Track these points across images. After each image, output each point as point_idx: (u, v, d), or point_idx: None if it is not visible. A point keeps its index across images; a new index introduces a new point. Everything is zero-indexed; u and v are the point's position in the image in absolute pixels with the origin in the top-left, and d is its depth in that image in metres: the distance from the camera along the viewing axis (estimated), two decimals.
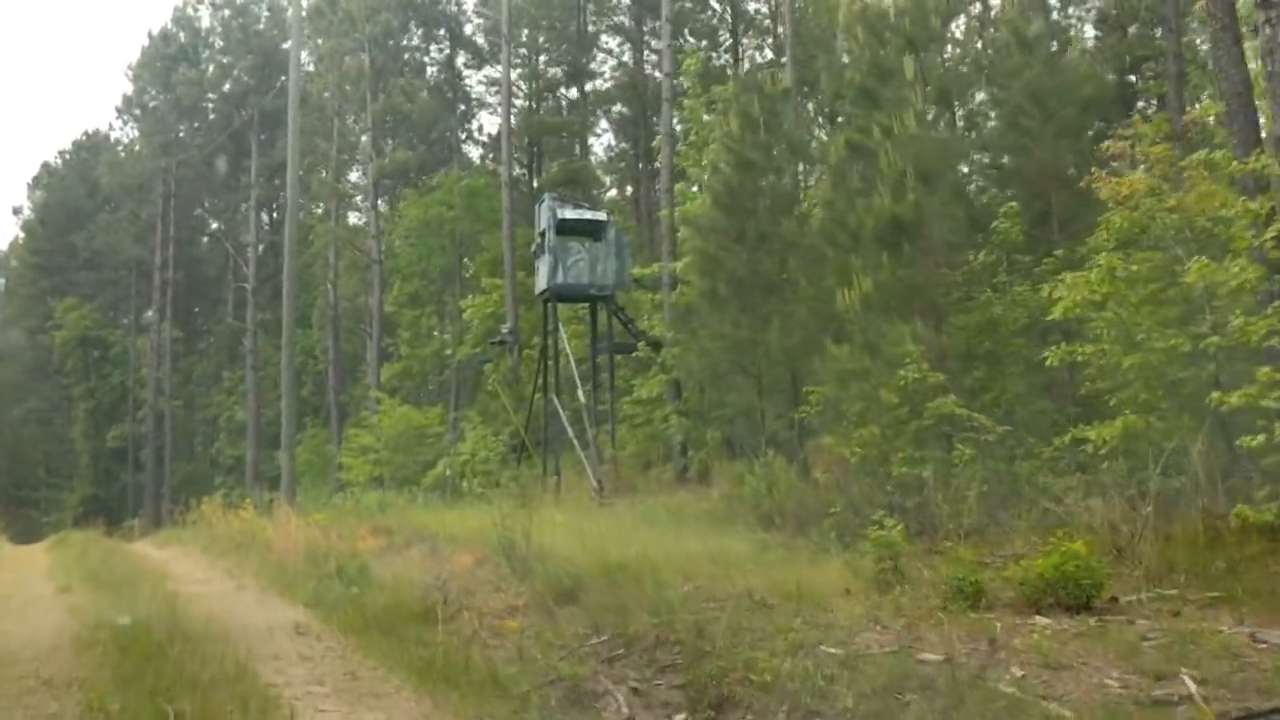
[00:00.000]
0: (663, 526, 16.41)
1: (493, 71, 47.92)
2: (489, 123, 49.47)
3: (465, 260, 39.74)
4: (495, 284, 34.13)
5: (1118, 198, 12.26)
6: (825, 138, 18.63)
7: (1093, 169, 12.90)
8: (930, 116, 16.86)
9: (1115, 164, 14.02)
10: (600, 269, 25.50)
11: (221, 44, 53.75)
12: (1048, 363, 11.86)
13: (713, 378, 18.87)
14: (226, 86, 53.82)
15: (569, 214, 25.65)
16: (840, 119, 19.57)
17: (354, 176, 48.19)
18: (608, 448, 23.76)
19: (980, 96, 17.97)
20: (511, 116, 33.54)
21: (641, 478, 23.69)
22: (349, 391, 47.89)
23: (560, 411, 25.00)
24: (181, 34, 54.98)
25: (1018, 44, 16.68)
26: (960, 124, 18.20)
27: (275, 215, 59.85)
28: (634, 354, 24.66)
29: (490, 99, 49.60)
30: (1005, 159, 17.78)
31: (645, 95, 40.18)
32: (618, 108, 47.69)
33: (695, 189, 23.40)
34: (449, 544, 16.68)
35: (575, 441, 24.56)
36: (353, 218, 50.07)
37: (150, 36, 55.66)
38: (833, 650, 7.63)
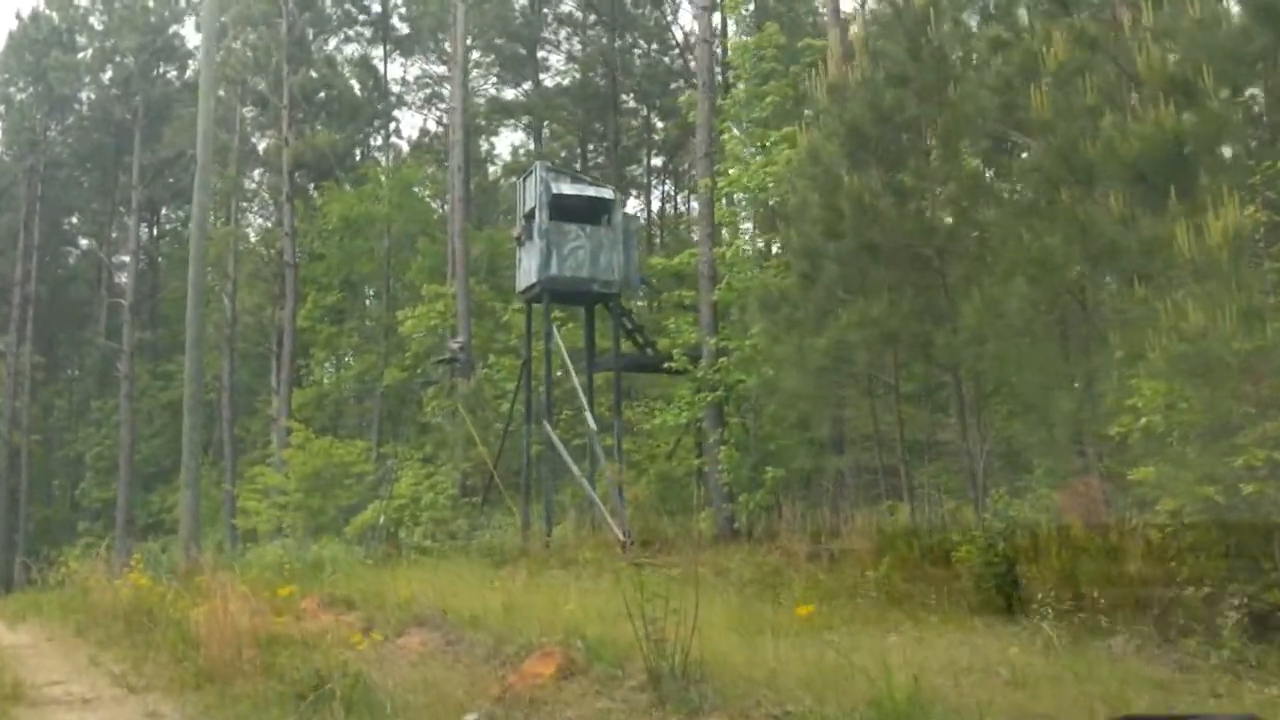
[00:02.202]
0: (800, 608, 10.84)
1: (423, 65, 42.56)
2: (408, 126, 43.71)
3: (394, 267, 33.63)
4: (440, 291, 28.23)
5: None
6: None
7: None
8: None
9: None
10: (605, 261, 19.92)
11: (102, 25, 46.79)
12: None
13: (817, 390, 13.40)
14: (107, 74, 46.90)
15: (567, 189, 20.01)
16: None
17: (257, 174, 41.83)
18: (624, 487, 18.06)
19: None
20: (463, 87, 27.81)
21: (670, 530, 18.07)
22: (244, 424, 41.21)
23: (557, 441, 19.22)
24: (55, 14, 47.93)
25: None
26: None
27: (156, 229, 53.05)
28: (666, 368, 18.91)
29: (410, 96, 44.06)
30: None
31: (614, 88, 34.94)
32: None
33: (752, 150, 18.01)
34: (468, 629, 10.88)
35: (585, 481, 18.85)
36: (254, 223, 43.74)
37: (19, 19, 48.55)
38: None
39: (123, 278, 49.26)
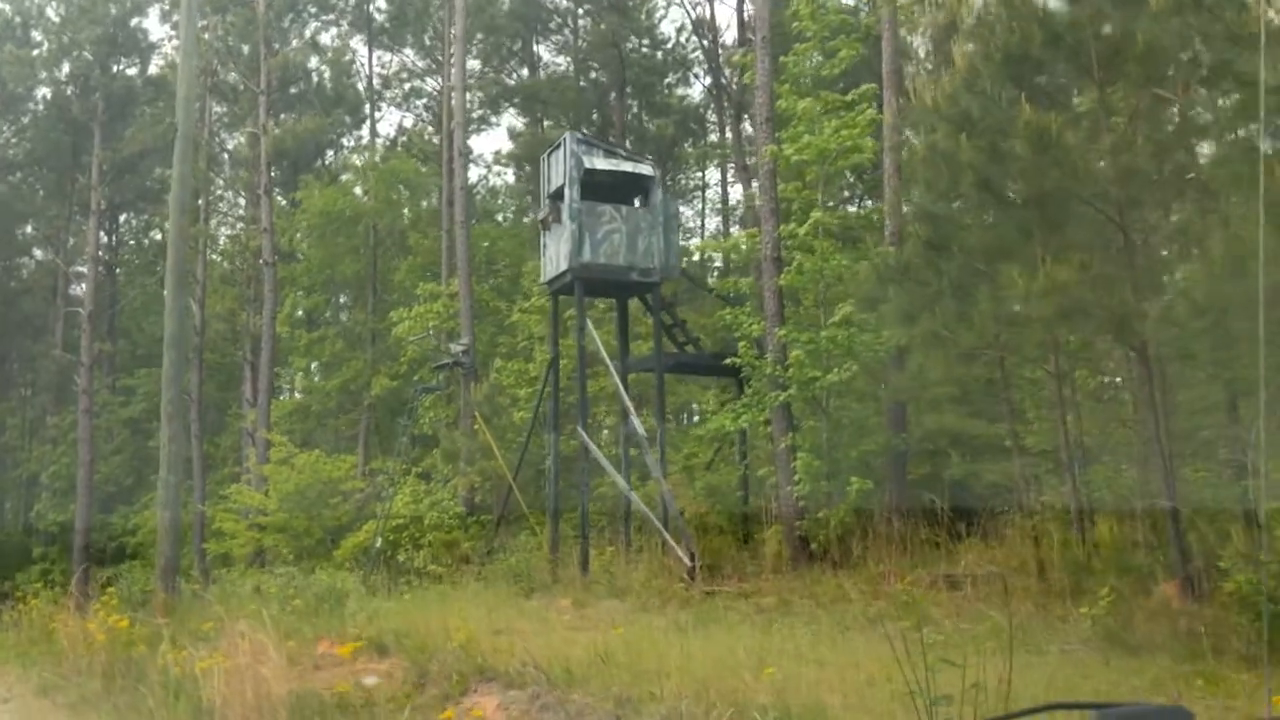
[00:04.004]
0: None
1: (404, 59, 40.04)
2: (387, 124, 41.18)
3: (381, 268, 30.98)
4: (438, 290, 25.68)
5: None
6: None
7: None
8: None
9: None
10: (643, 246, 17.53)
11: (59, 18, 43.86)
12: None
13: (964, 379, 11.06)
14: (64, 69, 43.94)
15: (600, 164, 17.59)
16: None
17: (227, 176, 39.11)
18: (681, 502, 15.57)
19: None
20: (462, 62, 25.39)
21: (734, 551, 15.67)
22: (212, 440, 38.32)
23: (596, 451, 16.76)
24: (8, 7, 44.99)
25: None
26: None
27: (115, 235, 50.04)
28: (729, 363, 16.41)
29: (390, 91, 41.55)
30: None
31: (622, 67, 32.59)
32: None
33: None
34: (561, 688, 8.40)
35: (633, 495, 16.35)
36: (223, 228, 41.00)
37: None
38: None
39: (80, 287, 46.28)
